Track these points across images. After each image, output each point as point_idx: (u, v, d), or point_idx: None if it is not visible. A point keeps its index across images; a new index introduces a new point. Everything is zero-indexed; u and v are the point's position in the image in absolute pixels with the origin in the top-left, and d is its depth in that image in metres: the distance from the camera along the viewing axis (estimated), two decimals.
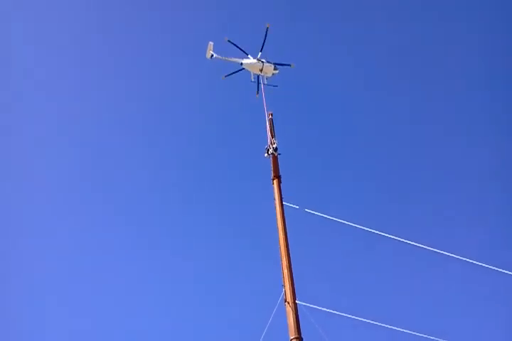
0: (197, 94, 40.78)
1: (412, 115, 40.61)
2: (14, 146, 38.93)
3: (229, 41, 22.71)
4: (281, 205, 16.51)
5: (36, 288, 33.91)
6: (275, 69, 23.31)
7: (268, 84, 23.19)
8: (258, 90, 22.40)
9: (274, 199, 16.82)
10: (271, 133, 18.25)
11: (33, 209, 37.90)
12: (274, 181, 17.26)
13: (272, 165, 17.52)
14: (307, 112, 40.81)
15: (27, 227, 36.89)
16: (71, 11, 41.29)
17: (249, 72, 22.97)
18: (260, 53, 23.06)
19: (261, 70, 22.98)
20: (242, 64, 22.95)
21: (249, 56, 23.04)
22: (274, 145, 17.64)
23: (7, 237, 35.18)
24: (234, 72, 23.07)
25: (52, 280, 34.38)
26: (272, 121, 18.70)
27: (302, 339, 13.81)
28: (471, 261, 16.57)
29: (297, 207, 16.53)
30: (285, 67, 23.52)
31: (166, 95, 41.49)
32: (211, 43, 22.98)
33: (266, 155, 17.71)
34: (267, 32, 22.68)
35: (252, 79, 23.01)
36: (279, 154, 17.53)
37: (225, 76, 23.16)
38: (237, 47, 22.86)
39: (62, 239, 36.83)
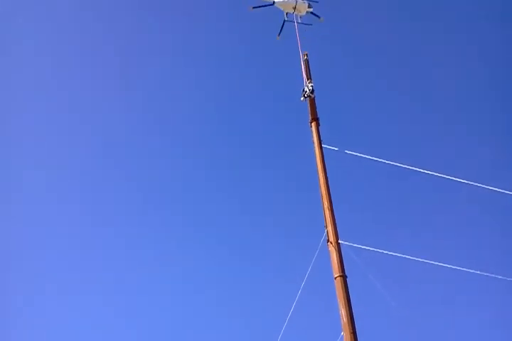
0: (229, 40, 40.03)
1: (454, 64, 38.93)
2: None
3: None
4: (320, 148, 16.49)
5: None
6: (309, 6, 22.65)
7: (302, 23, 22.71)
8: (281, 32, 21.56)
9: (313, 142, 16.81)
10: (306, 75, 17.98)
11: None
12: (312, 124, 17.16)
13: (309, 108, 17.33)
14: (343, 50, 39.76)
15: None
16: None
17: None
18: None
19: (294, 8, 22.35)
20: (274, 2, 22.35)
21: None
22: (311, 88, 17.43)
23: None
24: (263, 6, 21.79)
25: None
26: (307, 62, 18.32)
27: (346, 276, 14.06)
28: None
29: (336, 148, 16.54)
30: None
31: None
32: None
33: (302, 98, 17.42)
34: None
35: (286, 18, 22.50)
36: (315, 96, 17.32)
37: (253, 7, 21.79)
38: None
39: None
